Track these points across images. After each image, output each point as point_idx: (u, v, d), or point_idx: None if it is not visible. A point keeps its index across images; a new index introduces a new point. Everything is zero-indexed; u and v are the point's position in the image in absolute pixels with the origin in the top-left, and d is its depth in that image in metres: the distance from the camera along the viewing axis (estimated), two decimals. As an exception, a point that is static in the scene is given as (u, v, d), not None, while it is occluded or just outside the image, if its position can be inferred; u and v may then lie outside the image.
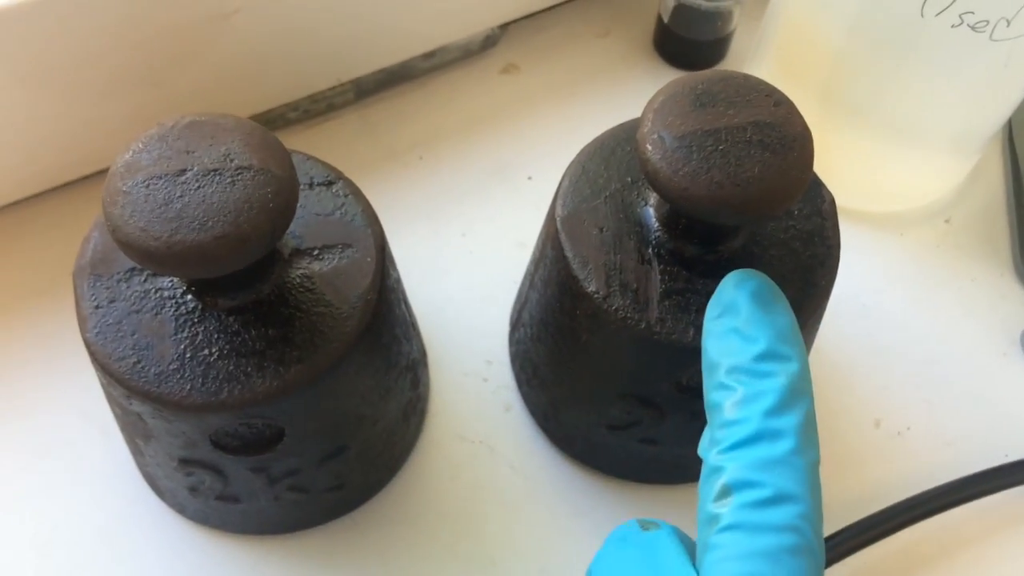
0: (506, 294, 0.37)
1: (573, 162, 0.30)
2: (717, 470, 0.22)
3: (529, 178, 0.40)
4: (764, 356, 0.22)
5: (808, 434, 0.22)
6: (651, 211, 0.28)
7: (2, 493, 0.33)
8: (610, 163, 0.29)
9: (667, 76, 0.44)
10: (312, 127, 0.41)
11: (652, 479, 0.33)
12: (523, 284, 0.34)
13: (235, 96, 0.37)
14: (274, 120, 0.40)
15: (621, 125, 0.30)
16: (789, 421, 0.22)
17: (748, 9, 0.43)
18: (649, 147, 0.25)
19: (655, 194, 0.28)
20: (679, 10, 0.41)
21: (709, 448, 0.22)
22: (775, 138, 0.24)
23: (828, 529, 0.32)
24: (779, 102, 0.25)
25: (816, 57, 0.36)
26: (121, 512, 0.33)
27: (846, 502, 0.34)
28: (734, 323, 0.23)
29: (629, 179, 0.29)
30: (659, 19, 0.42)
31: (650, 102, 0.26)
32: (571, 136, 0.42)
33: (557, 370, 0.31)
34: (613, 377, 0.29)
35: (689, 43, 0.42)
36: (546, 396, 0.33)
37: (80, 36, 0.32)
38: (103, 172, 0.37)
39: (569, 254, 0.28)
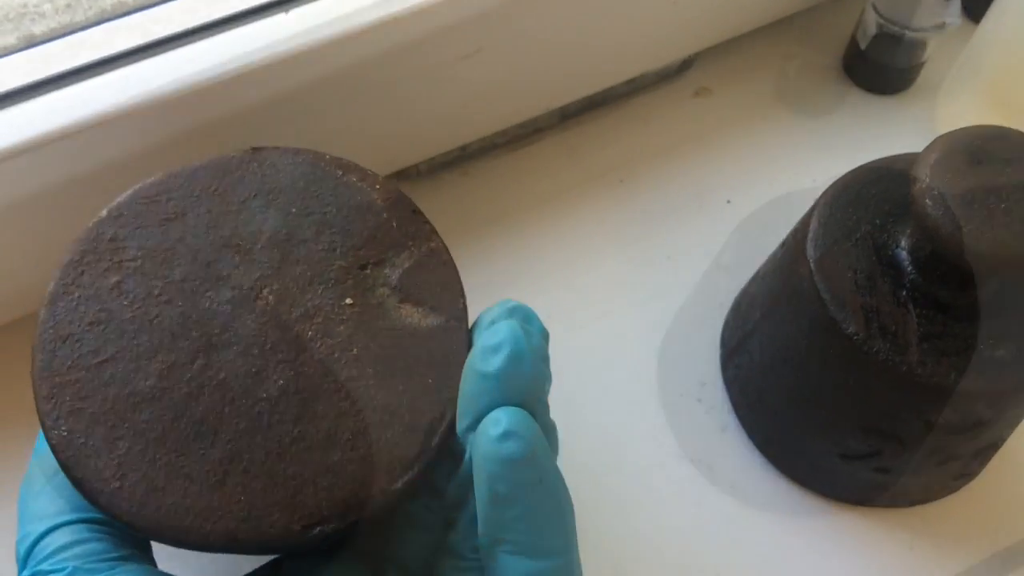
0: (712, 316, 0.39)
1: (819, 204, 0.31)
2: None
3: (728, 201, 0.42)
4: None
5: None
6: (904, 254, 0.29)
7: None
8: (857, 205, 0.31)
9: (855, 98, 0.44)
10: (516, 151, 0.43)
11: (871, 502, 0.35)
12: (744, 310, 0.36)
13: (459, 126, 0.39)
14: (485, 147, 0.42)
15: (864, 167, 0.32)
16: None
17: (942, 37, 0.43)
18: (929, 203, 0.26)
19: (908, 237, 0.29)
20: (880, 37, 0.41)
21: None
22: (1056, 196, 0.25)
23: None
24: (1056, 159, 0.26)
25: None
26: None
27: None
28: None
29: (878, 221, 0.30)
30: (853, 44, 0.43)
31: (922, 158, 0.27)
32: (765, 159, 0.43)
33: (792, 400, 0.33)
34: (860, 411, 0.31)
35: (883, 68, 0.43)
36: (772, 422, 0.35)
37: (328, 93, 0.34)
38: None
39: (825, 296, 0.29)
